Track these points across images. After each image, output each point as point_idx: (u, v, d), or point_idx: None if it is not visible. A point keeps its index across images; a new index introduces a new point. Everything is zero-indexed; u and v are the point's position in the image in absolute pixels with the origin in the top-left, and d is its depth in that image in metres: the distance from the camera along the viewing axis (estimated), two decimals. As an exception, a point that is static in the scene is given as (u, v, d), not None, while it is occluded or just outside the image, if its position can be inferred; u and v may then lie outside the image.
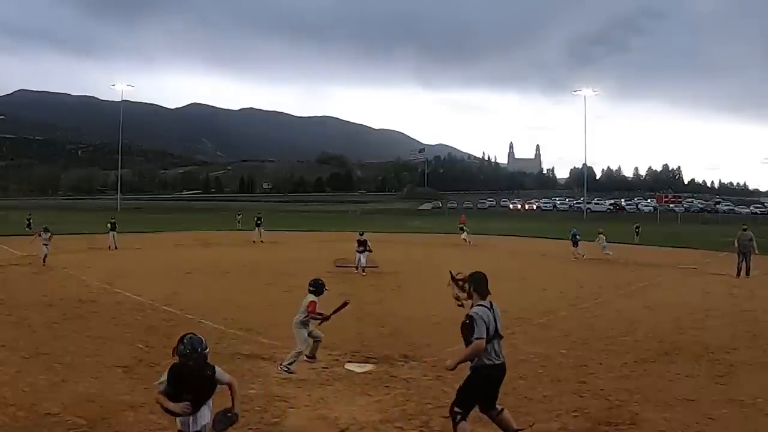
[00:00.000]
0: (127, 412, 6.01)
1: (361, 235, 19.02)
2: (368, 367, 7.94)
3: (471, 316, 5.07)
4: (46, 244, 19.66)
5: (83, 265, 19.36)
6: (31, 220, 36.59)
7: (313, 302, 7.97)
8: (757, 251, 18.72)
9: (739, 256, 18.56)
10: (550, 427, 5.86)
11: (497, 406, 5.31)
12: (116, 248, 25.31)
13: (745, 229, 18.92)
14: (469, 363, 5.16)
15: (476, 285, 5.29)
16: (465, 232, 33.17)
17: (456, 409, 5.15)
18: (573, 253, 24.54)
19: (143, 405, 6.24)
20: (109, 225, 26.22)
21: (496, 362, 5.13)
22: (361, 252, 18.51)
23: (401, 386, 7.11)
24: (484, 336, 4.99)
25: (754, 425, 5.94)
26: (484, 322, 5.02)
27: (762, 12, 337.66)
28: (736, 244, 18.71)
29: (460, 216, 48.97)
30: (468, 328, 5.06)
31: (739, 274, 18.18)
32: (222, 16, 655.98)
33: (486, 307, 5.16)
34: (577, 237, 24.97)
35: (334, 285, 15.73)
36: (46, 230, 20.21)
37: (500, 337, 5.18)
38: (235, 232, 38.05)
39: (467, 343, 5.08)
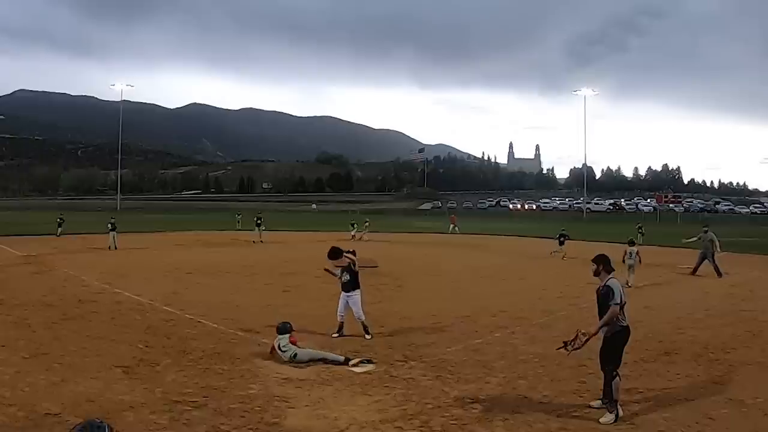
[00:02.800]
0: (127, 412, 6.01)
1: (351, 255, 10.12)
2: (368, 367, 7.93)
3: (608, 286, 6.22)
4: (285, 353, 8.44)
5: (83, 265, 19.35)
6: (62, 220, 33.43)
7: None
8: (719, 250, 18.86)
9: (699, 257, 18.71)
10: (550, 427, 5.85)
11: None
12: (116, 248, 25.32)
13: (705, 231, 19.10)
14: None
15: (605, 264, 6.38)
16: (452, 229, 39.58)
17: (610, 367, 6.15)
18: (558, 251, 25.19)
19: (143, 405, 6.24)
20: (109, 225, 26.22)
21: (627, 324, 6.29)
22: (349, 292, 9.78)
23: (401, 386, 7.10)
24: (619, 302, 6.12)
25: (754, 425, 5.94)
26: (620, 291, 6.16)
27: (761, 12, 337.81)
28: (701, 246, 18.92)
29: (450, 216, 49.37)
30: (607, 295, 6.17)
31: (694, 272, 18.40)
32: (221, 17, 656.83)
33: (616, 279, 6.29)
34: (566, 236, 25.73)
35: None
36: None
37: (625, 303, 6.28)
38: (235, 232, 38.06)
39: (604, 307, 6.20)
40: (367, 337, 9.63)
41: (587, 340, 6.34)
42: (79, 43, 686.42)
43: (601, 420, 5.98)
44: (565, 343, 6.48)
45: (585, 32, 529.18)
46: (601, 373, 6.32)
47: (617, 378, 6.12)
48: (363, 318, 9.81)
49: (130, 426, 5.70)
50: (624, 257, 15.83)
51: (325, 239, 34.13)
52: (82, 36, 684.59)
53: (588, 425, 5.90)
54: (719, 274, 18.09)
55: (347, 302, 9.76)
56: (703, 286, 16.49)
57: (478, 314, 11.83)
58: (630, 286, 14.84)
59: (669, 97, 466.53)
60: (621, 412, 6.08)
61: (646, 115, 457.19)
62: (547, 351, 8.83)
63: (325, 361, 8.07)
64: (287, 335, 8.33)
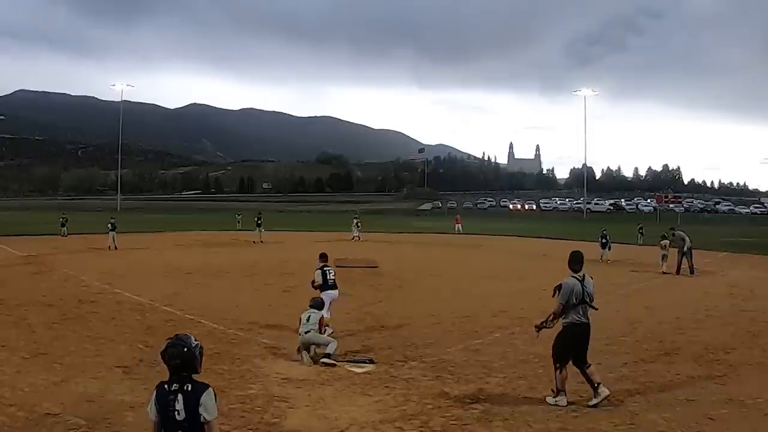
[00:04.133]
0: (127, 412, 6.01)
1: (326, 261, 10.56)
2: (368, 367, 7.93)
3: (560, 284, 6.53)
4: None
5: (83, 265, 19.36)
6: (65, 219, 33.45)
7: None
8: (684, 249, 19.55)
9: (678, 254, 19.46)
10: (550, 427, 5.85)
11: (588, 362, 6.57)
12: (116, 248, 25.32)
13: (673, 234, 20.10)
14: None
15: (570, 262, 6.65)
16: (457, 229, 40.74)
17: (555, 362, 6.54)
18: (605, 255, 23.99)
19: (143, 405, 6.23)
20: (109, 225, 26.22)
21: (582, 321, 6.55)
22: (332, 286, 10.25)
23: (401, 386, 7.10)
24: (563, 302, 6.47)
25: (754, 425, 5.93)
26: (571, 290, 6.45)
27: (761, 12, 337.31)
28: (677, 246, 19.64)
29: (455, 216, 49.28)
30: (555, 290, 6.56)
31: (678, 271, 19.12)
32: (220, 17, 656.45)
33: (577, 279, 6.54)
34: (606, 239, 24.44)
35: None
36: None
37: (585, 303, 6.54)
38: (235, 232, 38.06)
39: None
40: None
41: (553, 320, 6.68)
42: (78, 44, 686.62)
43: (547, 399, 6.52)
44: (538, 327, 6.86)
45: (585, 32, 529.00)
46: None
47: (561, 371, 6.50)
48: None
49: (130, 426, 5.70)
50: (660, 249, 19.86)
51: (325, 240, 34.15)
52: (81, 36, 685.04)
53: (588, 425, 5.90)
54: (678, 271, 19.01)
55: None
56: (703, 286, 16.50)
57: (478, 314, 11.83)
58: (665, 273, 19.01)
59: (669, 97, 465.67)
60: (564, 402, 6.41)
61: (646, 115, 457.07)
62: (547, 351, 8.81)
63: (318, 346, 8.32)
64: (319, 312, 8.57)
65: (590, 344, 9.31)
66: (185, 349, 3.31)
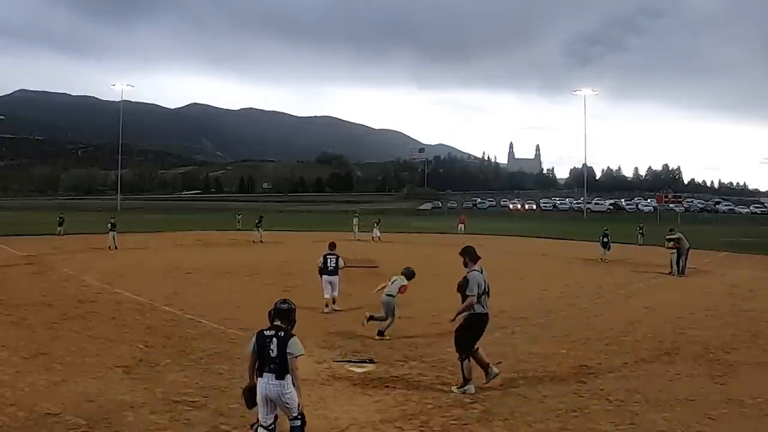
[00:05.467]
0: (127, 412, 6.01)
1: (332, 250, 12.28)
2: (368, 367, 7.93)
3: (466, 278, 6.81)
4: None
5: (83, 265, 19.35)
6: (62, 219, 33.64)
7: None
8: (667, 246, 19.78)
9: (679, 255, 19.42)
10: (550, 427, 5.85)
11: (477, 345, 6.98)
12: (116, 248, 25.32)
13: (673, 234, 20.02)
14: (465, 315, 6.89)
15: (469, 255, 7.07)
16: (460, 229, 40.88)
17: (461, 353, 6.87)
18: (605, 256, 23.84)
19: (143, 405, 6.24)
20: (109, 225, 26.23)
21: (484, 312, 6.90)
22: (331, 272, 11.98)
23: (401, 386, 7.10)
24: (475, 293, 6.75)
25: (754, 425, 5.93)
26: (477, 283, 6.78)
27: (761, 12, 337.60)
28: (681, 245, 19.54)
29: (459, 216, 49.22)
30: (463, 287, 6.81)
31: (683, 271, 19.18)
32: (221, 17, 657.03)
33: (478, 271, 6.91)
34: (608, 238, 24.09)
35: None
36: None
37: (488, 294, 6.91)
38: (235, 232, 38.05)
39: (464, 298, 6.80)
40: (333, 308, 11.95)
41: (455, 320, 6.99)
42: (78, 44, 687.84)
43: (453, 389, 6.84)
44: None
45: (585, 32, 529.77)
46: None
47: (467, 361, 6.86)
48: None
49: (130, 426, 5.70)
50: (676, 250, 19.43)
51: (325, 240, 34.13)
52: (81, 36, 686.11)
53: (588, 425, 5.90)
54: (683, 272, 18.96)
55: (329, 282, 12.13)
56: (704, 286, 16.50)
57: (478, 314, 11.81)
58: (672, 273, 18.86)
59: (669, 97, 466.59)
60: (473, 390, 6.78)
61: (646, 115, 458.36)
62: (547, 351, 8.85)
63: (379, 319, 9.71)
64: (404, 280, 9.92)
65: (591, 344, 9.43)
66: (290, 302, 5.01)
